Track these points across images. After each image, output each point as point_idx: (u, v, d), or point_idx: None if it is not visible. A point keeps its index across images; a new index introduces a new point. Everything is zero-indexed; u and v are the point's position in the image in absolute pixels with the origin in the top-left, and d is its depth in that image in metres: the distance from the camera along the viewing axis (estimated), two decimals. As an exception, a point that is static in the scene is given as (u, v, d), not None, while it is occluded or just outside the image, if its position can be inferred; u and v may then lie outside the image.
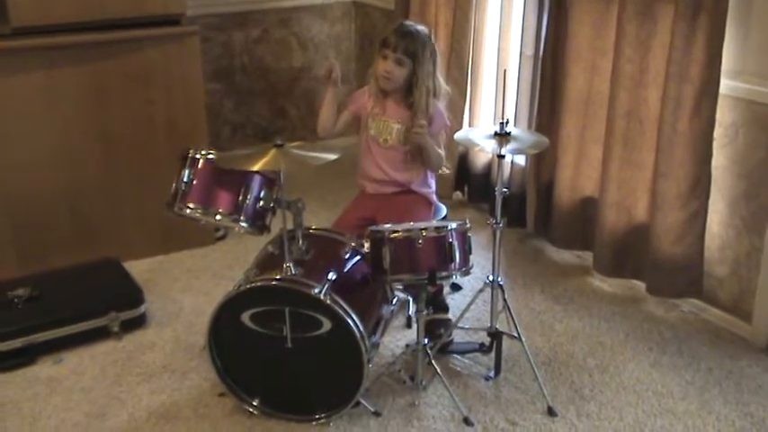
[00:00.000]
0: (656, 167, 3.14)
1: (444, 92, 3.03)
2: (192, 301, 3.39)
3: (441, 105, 3.00)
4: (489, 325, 2.84)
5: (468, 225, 2.57)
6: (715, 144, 2.97)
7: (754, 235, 2.99)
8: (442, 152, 3.00)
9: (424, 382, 2.74)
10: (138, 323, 3.18)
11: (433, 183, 3.13)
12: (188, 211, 2.61)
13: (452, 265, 2.50)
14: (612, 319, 3.23)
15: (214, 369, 2.62)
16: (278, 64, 5.00)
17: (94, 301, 3.14)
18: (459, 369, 2.90)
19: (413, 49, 2.86)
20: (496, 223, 2.69)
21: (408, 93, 2.92)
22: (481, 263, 3.37)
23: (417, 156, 2.97)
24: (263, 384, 2.65)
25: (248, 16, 4.82)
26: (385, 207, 2.98)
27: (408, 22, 2.97)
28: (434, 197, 3.12)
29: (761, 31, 2.88)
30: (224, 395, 2.70)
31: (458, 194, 4.41)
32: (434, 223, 2.74)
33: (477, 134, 2.73)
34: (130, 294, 3.21)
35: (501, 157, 2.61)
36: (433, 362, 2.71)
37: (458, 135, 2.76)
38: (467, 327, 3.05)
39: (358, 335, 2.44)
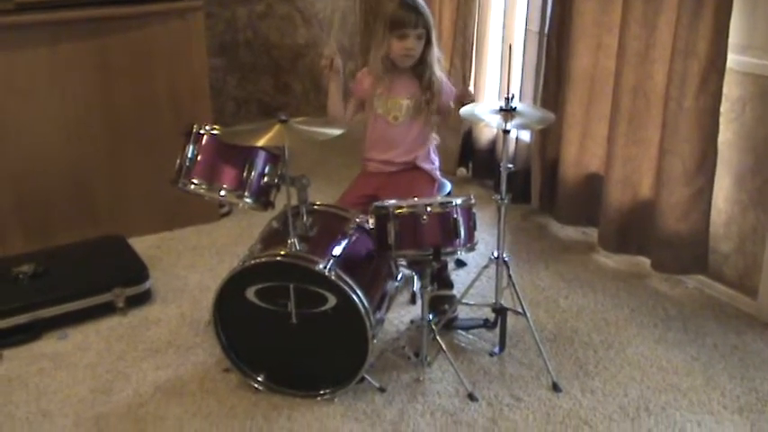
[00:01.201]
0: (661, 144, 3.12)
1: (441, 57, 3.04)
2: (197, 277, 3.40)
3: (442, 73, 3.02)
4: (494, 301, 2.84)
5: (473, 201, 2.56)
6: (722, 119, 2.95)
7: (759, 210, 2.98)
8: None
9: (428, 358, 2.74)
10: (143, 299, 3.19)
11: (436, 159, 3.12)
12: (192, 186, 2.61)
13: (457, 241, 2.49)
14: (617, 295, 3.23)
15: (219, 345, 2.63)
16: (282, 40, 4.97)
17: (99, 277, 3.15)
18: (463, 345, 2.91)
19: (428, 21, 2.87)
20: (501, 199, 2.68)
21: (418, 65, 2.92)
22: (486, 239, 3.37)
23: (444, 117, 3.01)
24: (268, 360, 2.65)
25: (251, -9, 4.80)
26: (387, 184, 2.98)
27: None
28: (438, 173, 3.11)
29: (769, 5, 2.86)
30: (229, 371, 2.71)
31: (462, 170, 4.41)
32: (439, 199, 2.73)
33: (483, 109, 2.72)
34: (135, 270, 3.22)
35: (506, 132, 2.60)
36: (437, 338, 2.71)
37: (463, 111, 2.74)
38: (471, 303, 3.04)
39: (363, 311, 2.44)
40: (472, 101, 2.90)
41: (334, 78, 3.00)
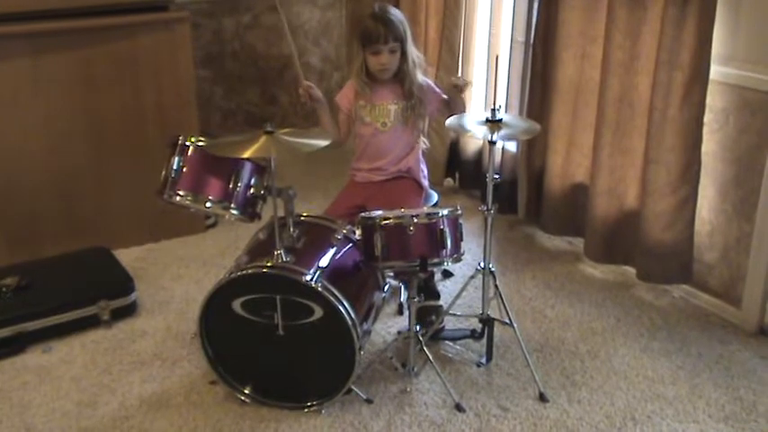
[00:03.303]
0: (646, 154, 3.14)
1: (421, 60, 3.04)
2: (183, 289, 3.39)
3: (423, 76, 3.03)
4: (481, 311, 2.84)
5: (460, 212, 2.57)
6: (705, 130, 2.97)
7: (743, 220, 3.00)
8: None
9: (415, 369, 2.74)
10: (129, 311, 3.17)
11: (424, 167, 3.13)
12: (178, 198, 2.60)
13: (444, 251, 2.50)
14: (603, 305, 3.24)
15: (205, 357, 2.62)
16: (269, 50, 4.97)
17: (84, 289, 3.13)
18: (450, 356, 2.91)
19: (399, 33, 2.89)
20: (488, 210, 2.69)
21: (397, 74, 2.96)
22: (472, 249, 3.39)
23: (450, 109, 3.00)
24: (255, 372, 2.64)
25: (238, 2, 4.79)
26: (375, 194, 2.99)
27: (379, 8, 2.94)
28: (426, 182, 3.13)
29: (750, 16, 2.88)
30: (215, 383, 2.70)
31: (449, 181, 4.41)
32: (426, 210, 2.73)
33: (469, 120, 2.73)
34: (121, 283, 3.20)
35: (492, 143, 2.61)
36: (424, 348, 2.71)
37: (449, 121, 2.76)
38: (458, 313, 3.04)
39: (350, 322, 2.44)
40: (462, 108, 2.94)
41: (318, 106, 3.04)
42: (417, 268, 2.49)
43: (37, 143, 3.45)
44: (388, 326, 3.07)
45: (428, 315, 2.94)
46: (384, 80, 2.98)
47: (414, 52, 2.97)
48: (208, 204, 2.61)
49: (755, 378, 2.77)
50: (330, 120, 3.09)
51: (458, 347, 2.95)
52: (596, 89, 3.31)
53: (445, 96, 3.04)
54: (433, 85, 3.08)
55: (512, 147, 3.91)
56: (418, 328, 2.68)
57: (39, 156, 3.47)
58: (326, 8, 5.10)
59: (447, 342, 2.96)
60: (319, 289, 2.43)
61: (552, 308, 3.23)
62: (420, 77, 2.99)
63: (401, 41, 2.90)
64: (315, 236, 2.69)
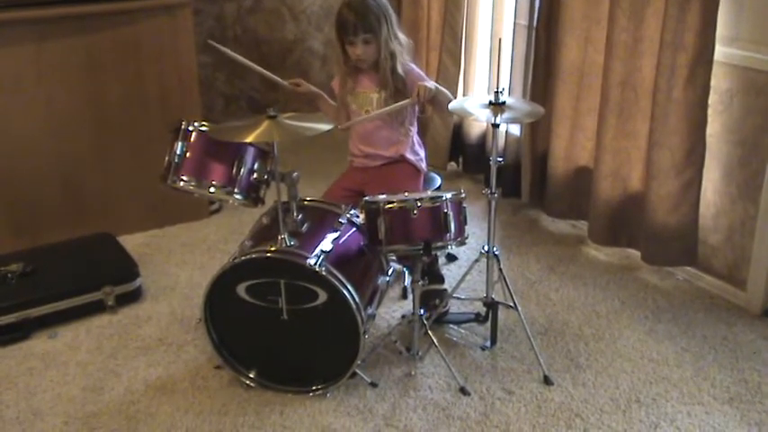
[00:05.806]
0: (650, 136, 3.13)
1: (408, 46, 2.95)
2: (187, 275, 3.39)
3: (408, 62, 2.94)
4: (485, 295, 2.84)
5: (464, 195, 2.56)
6: (710, 111, 2.96)
7: (748, 202, 2.99)
8: (441, 87, 2.93)
9: (420, 353, 2.74)
10: (134, 297, 3.18)
11: (421, 150, 3.11)
12: (182, 183, 2.60)
13: (448, 235, 2.50)
14: (608, 288, 3.24)
15: (210, 342, 2.62)
16: (271, 35, 4.95)
17: (89, 275, 3.13)
18: (455, 339, 2.91)
19: (372, 24, 2.80)
20: (491, 193, 2.69)
21: (377, 61, 2.89)
22: (476, 233, 3.38)
23: (435, 105, 2.94)
24: (260, 356, 2.65)
25: (239, -13, 4.78)
26: (372, 179, 2.98)
27: None
28: (423, 165, 3.11)
29: (755, -3, 2.86)
30: (220, 368, 2.70)
31: (452, 165, 4.41)
32: (429, 193, 2.73)
33: (472, 104, 2.71)
34: (125, 268, 3.20)
35: (496, 126, 2.60)
36: (429, 332, 2.71)
37: (452, 105, 2.75)
38: (462, 297, 3.05)
39: (354, 306, 2.44)
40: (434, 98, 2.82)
41: (314, 97, 3.07)
42: (421, 252, 2.49)
43: (40, 129, 3.45)
44: (393, 310, 3.07)
45: (432, 299, 2.95)
46: (365, 69, 2.94)
47: (394, 43, 2.86)
48: (211, 189, 2.61)
49: (760, 360, 2.77)
50: (330, 106, 3.09)
51: (462, 331, 2.95)
52: (600, 72, 3.29)
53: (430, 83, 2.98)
54: (416, 70, 2.96)
55: (515, 130, 3.91)
56: (422, 311, 2.68)
57: (42, 142, 3.47)
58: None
59: (451, 326, 2.97)
60: (323, 273, 2.43)
61: (556, 291, 3.23)
62: (400, 68, 2.88)
63: (374, 32, 2.81)
64: (318, 220, 2.69)
